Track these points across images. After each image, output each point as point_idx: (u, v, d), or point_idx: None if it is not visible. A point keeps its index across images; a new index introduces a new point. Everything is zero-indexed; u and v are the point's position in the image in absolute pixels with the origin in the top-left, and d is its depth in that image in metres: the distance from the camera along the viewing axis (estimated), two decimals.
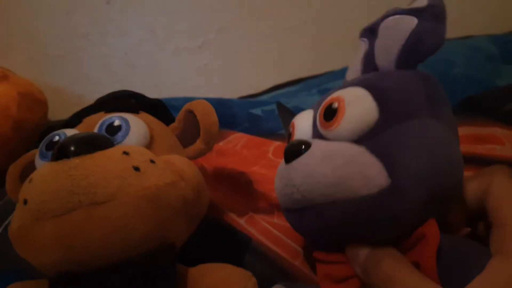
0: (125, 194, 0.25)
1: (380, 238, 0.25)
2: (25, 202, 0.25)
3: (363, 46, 0.32)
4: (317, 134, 0.28)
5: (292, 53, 0.70)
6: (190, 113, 0.34)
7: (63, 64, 0.72)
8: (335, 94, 0.28)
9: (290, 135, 0.32)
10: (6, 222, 0.38)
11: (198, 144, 0.33)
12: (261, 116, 0.58)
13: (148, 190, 0.25)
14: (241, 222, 0.39)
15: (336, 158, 0.25)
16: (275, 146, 0.51)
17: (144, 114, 0.33)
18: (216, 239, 0.37)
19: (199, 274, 0.28)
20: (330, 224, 0.26)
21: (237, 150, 0.49)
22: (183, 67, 0.71)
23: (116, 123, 0.29)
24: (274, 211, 0.40)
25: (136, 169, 0.26)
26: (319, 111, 0.28)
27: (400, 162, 0.24)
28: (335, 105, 0.27)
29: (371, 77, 0.29)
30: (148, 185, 0.25)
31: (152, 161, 0.27)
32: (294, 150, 0.27)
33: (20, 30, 0.71)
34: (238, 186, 0.42)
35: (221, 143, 0.52)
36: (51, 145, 0.29)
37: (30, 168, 0.32)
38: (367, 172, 0.24)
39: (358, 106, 0.26)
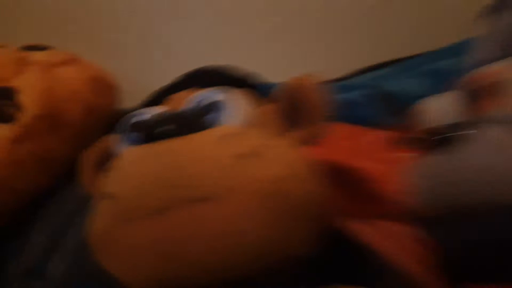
0: (238, 187, 0.18)
1: None
2: (111, 197, 0.20)
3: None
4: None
5: (382, 33, 0.61)
6: (292, 90, 0.27)
7: (130, 51, 0.68)
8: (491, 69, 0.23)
9: (409, 122, 0.25)
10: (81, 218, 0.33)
11: (306, 127, 0.26)
12: (356, 101, 0.49)
13: (268, 183, 0.19)
14: (366, 231, 0.31)
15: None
16: (375, 136, 0.43)
17: (243, 92, 0.27)
18: (337, 252, 0.29)
19: None
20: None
21: (335, 141, 0.42)
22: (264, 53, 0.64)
23: (213, 99, 0.23)
24: (403, 219, 0.32)
25: (245, 156, 0.19)
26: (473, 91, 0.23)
27: None
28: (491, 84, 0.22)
29: None
30: (268, 176, 0.19)
31: (263, 146, 0.20)
32: (451, 136, 0.21)
33: (85, 16, 0.69)
34: (351, 186, 0.34)
35: None
36: (137, 126, 0.23)
37: (107, 155, 0.27)
38: None
39: None
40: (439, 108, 0.25)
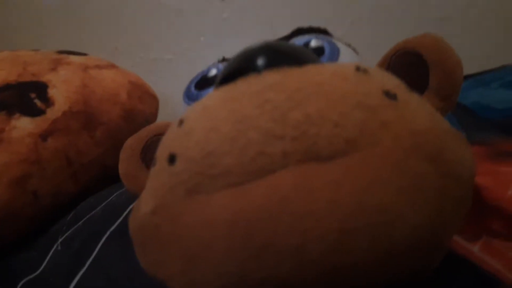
0: (378, 140, 0.12)
1: None
2: (172, 159, 0.13)
3: None
4: None
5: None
6: (407, 55, 0.21)
7: (172, 68, 0.64)
8: None
9: None
10: (112, 228, 0.26)
11: (431, 100, 0.19)
12: None
13: (423, 138, 0.12)
14: (475, 251, 0.24)
15: None
16: (478, 150, 0.36)
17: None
18: (445, 277, 0.22)
19: None
20: None
21: None
22: None
23: (315, 43, 0.17)
24: None
25: (391, 96, 0.12)
26: None
27: None
28: None
29: None
30: (421, 129, 0.12)
31: (411, 91, 0.14)
32: None
33: (126, 33, 0.66)
34: None
35: None
36: (206, 82, 0.17)
37: (155, 146, 0.20)
38: None
39: None
40: None
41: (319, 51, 0.17)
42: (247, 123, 0.12)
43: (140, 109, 0.41)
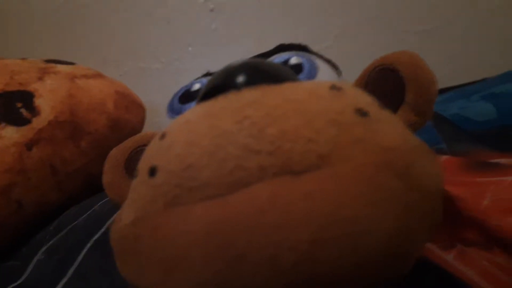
0: (349, 156, 0.12)
1: None
2: (152, 172, 0.14)
3: None
4: None
5: (430, 60, 0.56)
6: (384, 71, 0.21)
7: (160, 77, 0.64)
8: None
9: None
10: (95, 237, 0.26)
11: (406, 114, 0.20)
12: None
13: (393, 154, 0.13)
14: (449, 259, 0.24)
15: None
16: (445, 160, 0.37)
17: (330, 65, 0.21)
18: (420, 286, 0.22)
19: None
20: None
21: None
22: None
23: (294, 61, 0.17)
24: (493, 247, 0.25)
25: (363, 113, 0.13)
26: None
27: None
28: None
29: None
30: (391, 145, 0.13)
31: (383, 108, 0.14)
32: None
33: (114, 42, 0.66)
34: None
35: None
36: (189, 96, 0.18)
37: (139, 157, 0.21)
38: None
39: None
40: None
41: (299, 68, 0.18)
42: (225, 138, 0.12)
43: (126, 119, 0.41)
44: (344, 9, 0.59)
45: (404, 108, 0.20)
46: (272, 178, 0.12)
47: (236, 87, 0.13)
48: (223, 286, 0.12)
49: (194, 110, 0.14)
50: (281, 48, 0.23)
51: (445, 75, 0.54)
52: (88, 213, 0.29)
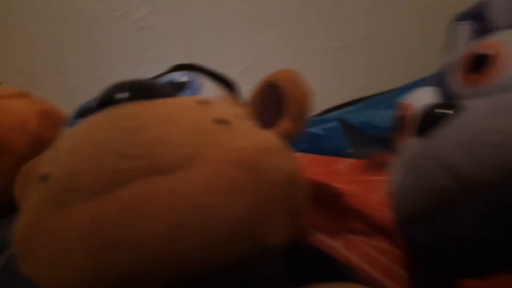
0: (207, 156, 0.15)
1: None
2: (43, 178, 0.16)
3: (464, 29, 0.26)
4: (454, 100, 0.21)
5: (345, 74, 0.62)
6: (270, 86, 0.25)
7: (92, 95, 0.65)
8: (483, 42, 0.22)
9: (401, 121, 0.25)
10: None
11: (285, 124, 0.23)
12: (321, 134, 0.48)
13: (243, 153, 0.15)
14: (335, 246, 0.28)
15: None
16: (349, 163, 0.41)
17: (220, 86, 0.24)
18: (305, 268, 0.26)
19: None
20: (506, 216, 0.16)
21: (305, 167, 0.39)
22: None
23: (181, 79, 0.20)
24: (375, 234, 0.29)
25: (222, 122, 0.16)
26: (458, 66, 0.22)
27: None
28: (488, 51, 0.20)
29: None
30: (243, 146, 0.16)
31: (241, 117, 0.17)
32: (438, 114, 0.19)
33: (45, 62, 0.66)
34: (323, 201, 0.31)
35: None
36: (86, 111, 0.20)
37: None
38: None
39: None
40: (420, 101, 0.23)
41: (184, 86, 0.20)
42: (103, 146, 0.15)
43: (51, 137, 0.42)
44: (266, 29, 0.63)
45: (284, 118, 0.24)
46: (143, 178, 0.14)
47: (116, 102, 0.16)
48: (103, 271, 0.14)
49: (80, 123, 0.16)
50: (176, 68, 0.26)
51: (358, 87, 0.59)
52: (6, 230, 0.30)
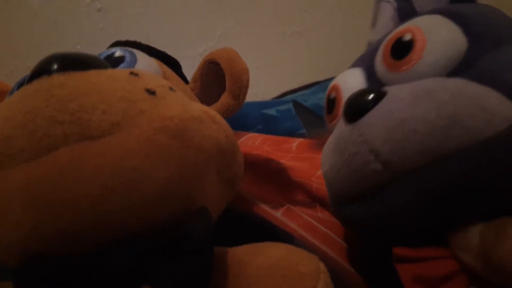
0: (135, 123, 0.16)
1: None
2: None
3: (386, 8, 0.26)
4: (379, 84, 0.22)
5: (301, 58, 0.64)
6: (211, 64, 0.26)
7: None
8: (403, 27, 0.22)
9: (332, 103, 0.26)
10: None
11: (225, 99, 0.25)
12: (276, 116, 0.50)
13: (170, 121, 0.17)
14: (277, 215, 0.30)
15: (438, 94, 0.18)
16: (299, 142, 0.43)
17: (158, 61, 0.25)
18: (249, 236, 0.28)
19: (247, 254, 0.19)
20: (430, 198, 0.18)
21: (257, 145, 0.41)
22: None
23: (118, 54, 0.21)
24: (316, 205, 0.31)
25: (151, 92, 0.17)
26: (381, 51, 0.23)
27: None
28: (408, 36, 0.21)
29: (440, 7, 0.23)
30: (170, 115, 0.17)
31: (171, 89, 0.19)
32: (363, 101, 0.20)
33: (1, 42, 0.64)
34: (267, 175, 0.33)
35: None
36: (22, 85, 0.20)
37: None
38: (485, 104, 0.17)
39: (441, 32, 0.20)
40: (348, 83, 0.25)
41: (121, 59, 0.21)
42: (35, 113, 0.16)
43: None
44: (227, 12, 0.64)
45: (225, 94, 0.25)
46: (74, 143, 0.16)
47: (49, 73, 0.17)
48: (40, 228, 0.15)
49: (15, 92, 0.17)
50: (115, 44, 0.27)
51: (312, 70, 0.61)
52: None
